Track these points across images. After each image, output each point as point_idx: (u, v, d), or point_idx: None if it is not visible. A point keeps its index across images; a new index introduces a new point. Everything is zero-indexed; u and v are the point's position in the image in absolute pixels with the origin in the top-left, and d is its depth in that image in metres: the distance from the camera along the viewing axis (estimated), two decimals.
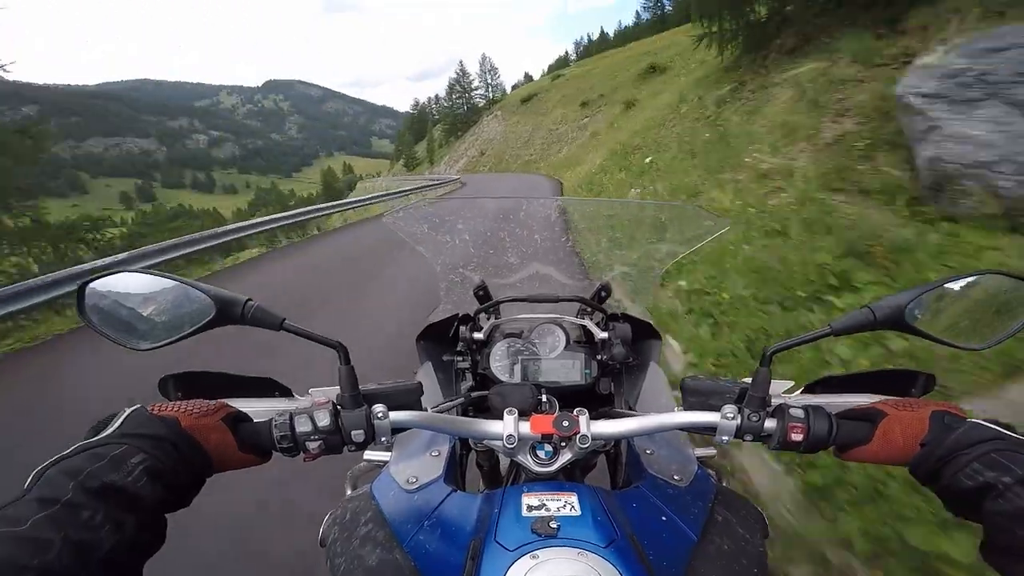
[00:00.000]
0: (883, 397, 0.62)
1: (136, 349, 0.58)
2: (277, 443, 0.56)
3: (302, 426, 0.57)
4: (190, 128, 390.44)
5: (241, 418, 0.58)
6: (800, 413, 0.59)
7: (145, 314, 0.58)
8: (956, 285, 0.60)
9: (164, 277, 0.58)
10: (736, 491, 0.68)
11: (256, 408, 0.61)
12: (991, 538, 0.46)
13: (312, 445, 0.57)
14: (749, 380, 0.61)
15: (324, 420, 0.57)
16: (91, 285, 0.57)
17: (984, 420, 0.51)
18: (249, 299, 0.56)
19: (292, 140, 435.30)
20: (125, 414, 0.49)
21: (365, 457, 0.86)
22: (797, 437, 0.59)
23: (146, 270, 0.58)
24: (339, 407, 0.59)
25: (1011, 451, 0.46)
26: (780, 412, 0.60)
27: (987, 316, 0.61)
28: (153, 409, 0.51)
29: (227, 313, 0.56)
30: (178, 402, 0.54)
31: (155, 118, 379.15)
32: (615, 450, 0.94)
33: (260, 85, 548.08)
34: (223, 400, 0.57)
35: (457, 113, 73.22)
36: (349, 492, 0.81)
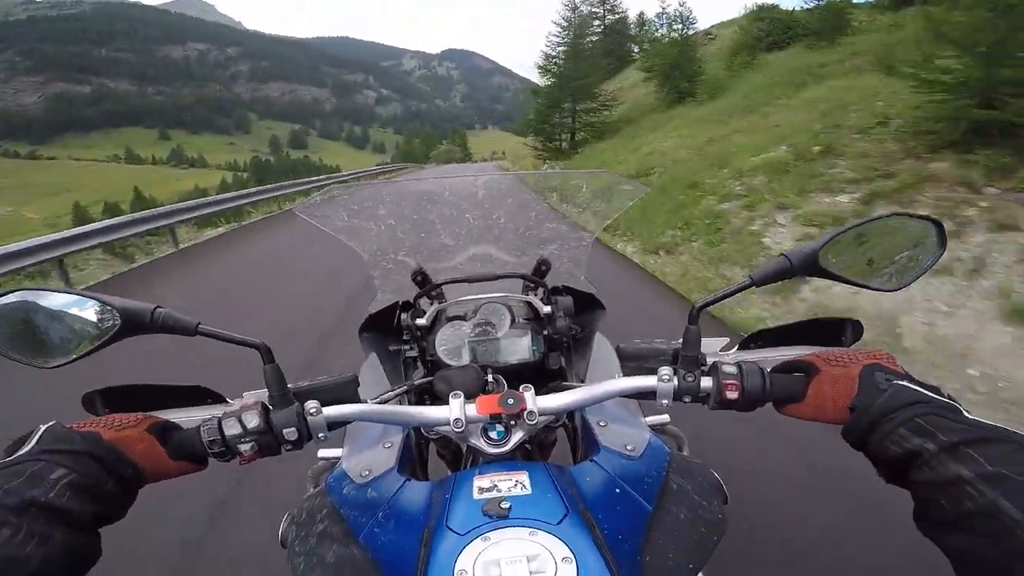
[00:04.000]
0: (816, 348, 0.64)
1: (45, 367, 0.57)
2: (208, 448, 0.56)
3: (231, 429, 0.55)
4: (364, 83, 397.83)
5: (169, 427, 0.57)
6: (733, 370, 0.58)
7: (51, 331, 0.57)
8: (866, 228, 0.62)
9: (66, 293, 0.57)
10: (692, 458, 0.67)
11: (187, 416, 0.61)
12: (921, 509, 0.45)
13: (244, 448, 0.56)
14: (681, 340, 0.61)
15: (253, 421, 0.56)
16: None
17: (910, 382, 0.50)
18: (158, 306, 0.55)
19: (454, 108, 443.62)
20: (41, 431, 0.48)
21: (320, 455, 0.84)
22: (732, 395, 0.58)
23: (47, 287, 0.59)
24: (269, 407, 0.58)
25: (936, 415, 0.45)
26: (714, 370, 0.60)
27: (895, 256, 0.63)
28: (72, 426, 0.51)
29: (135, 322, 0.55)
30: (101, 417, 0.54)
31: (335, 70, 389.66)
32: (572, 425, 0.93)
33: (439, 52, 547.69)
34: (149, 412, 0.57)
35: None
36: (311, 491, 0.78)
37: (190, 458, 0.56)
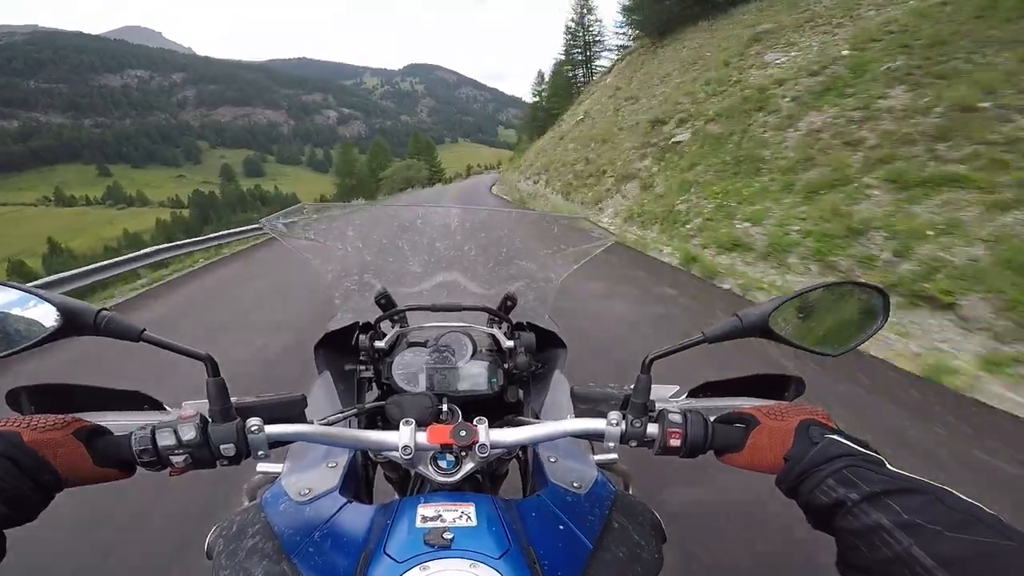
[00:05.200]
0: (760, 402, 0.68)
1: None
2: (137, 457, 0.54)
3: (164, 440, 0.54)
4: (323, 103, 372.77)
5: (98, 432, 0.55)
6: (679, 419, 0.61)
7: None
8: (815, 294, 0.65)
9: (5, 286, 0.55)
10: (635, 497, 0.71)
11: (119, 422, 0.59)
12: (841, 553, 0.49)
13: (177, 459, 0.54)
14: (633, 387, 0.64)
15: (189, 434, 0.54)
16: None
17: (841, 436, 0.54)
18: (103, 308, 0.54)
19: (421, 123, 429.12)
20: None
21: (259, 469, 0.81)
22: (676, 442, 0.60)
23: None
24: (208, 420, 0.57)
25: (861, 467, 0.49)
26: (661, 417, 0.62)
27: (841, 322, 0.66)
28: None
29: (76, 323, 0.53)
30: (26, 416, 0.52)
31: (291, 91, 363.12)
32: (524, 458, 0.97)
33: (401, 68, 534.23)
34: (78, 414, 0.55)
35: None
36: (246, 503, 0.77)
37: (117, 465, 0.55)
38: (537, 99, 49.30)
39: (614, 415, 0.62)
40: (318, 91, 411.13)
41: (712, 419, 0.62)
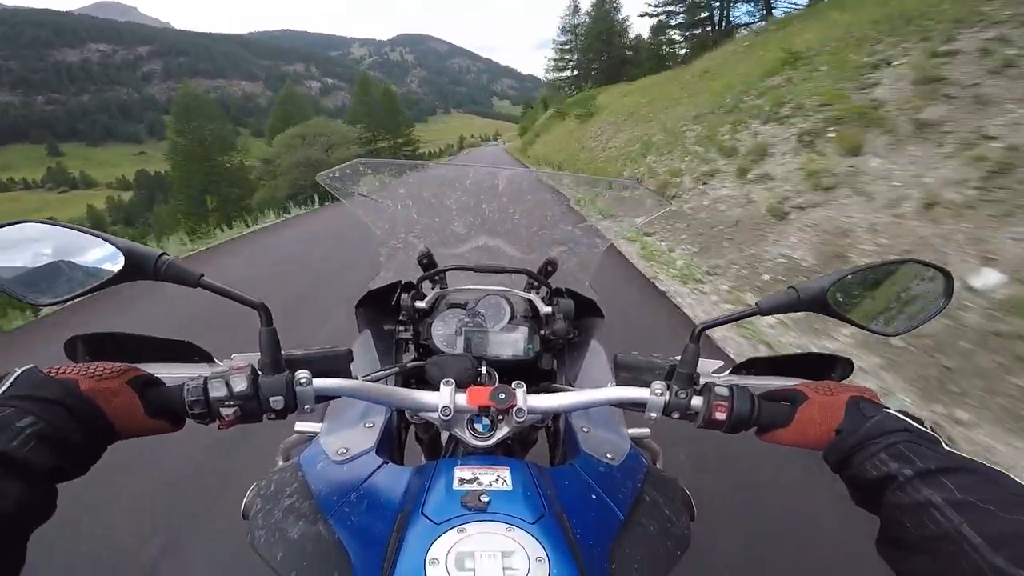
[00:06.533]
0: (806, 381, 0.65)
1: (36, 304, 0.56)
2: (189, 409, 0.54)
3: (216, 391, 0.54)
4: (305, 74, 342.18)
5: (151, 382, 0.55)
6: (725, 392, 0.60)
7: (48, 267, 0.55)
8: (877, 271, 0.63)
9: (70, 228, 0.55)
10: (666, 473, 0.70)
11: (171, 373, 0.58)
12: (884, 530, 0.48)
13: (227, 412, 0.54)
14: (679, 358, 0.63)
15: (240, 385, 0.54)
16: None
17: (897, 411, 0.53)
18: (164, 253, 0.54)
19: (411, 93, 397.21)
20: (16, 374, 0.46)
21: (296, 428, 0.84)
22: (721, 416, 0.59)
23: (50, 220, 0.55)
24: (259, 372, 0.56)
25: (916, 444, 0.48)
26: (706, 390, 0.61)
27: (902, 302, 0.64)
28: (51, 371, 0.48)
29: (138, 267, 0.53)
30: (81, 364, 0.51)
31: (270, 62, 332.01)
32: (555, 426, 0.98)
33: (390, 38, 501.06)
34: (133, 364, 0.55)
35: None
36: (280, 463, 0.78)
37: (166, 416, 0.54)
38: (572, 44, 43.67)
39: (658, 385, 0.61)
40: (300, 61, 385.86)
41: (758, 395, 0.61)
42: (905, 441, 0.48)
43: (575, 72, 46.09)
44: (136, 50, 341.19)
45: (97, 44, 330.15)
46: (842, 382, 0.67)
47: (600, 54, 43.33)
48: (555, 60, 47.10)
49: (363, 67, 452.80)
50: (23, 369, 0.47)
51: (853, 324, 0.62)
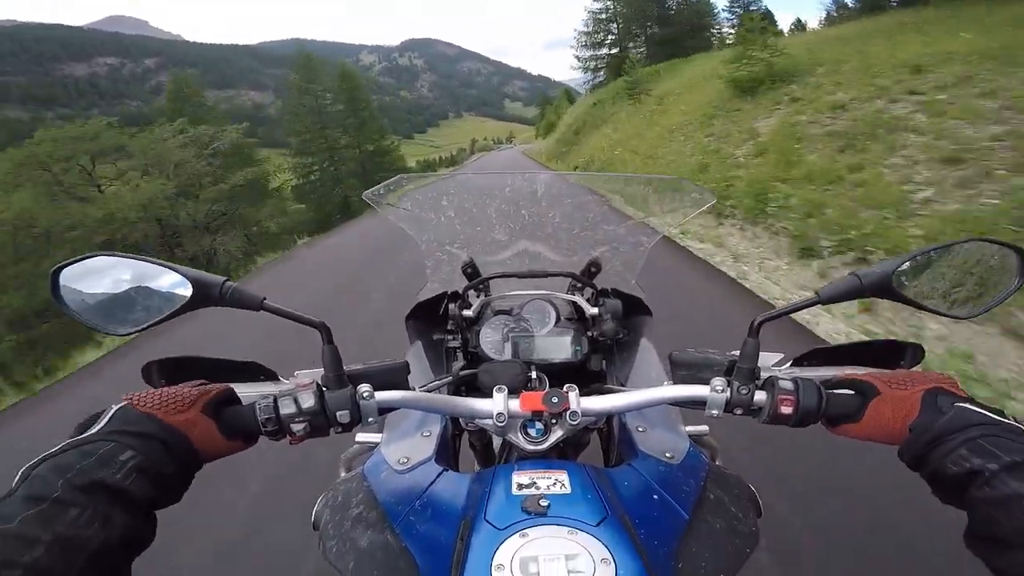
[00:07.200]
0: (872, 370, 0.63)
1: (114, 334, 0.59)
2: (262, 426, 0.56)
3: (286, 408, 0.56)
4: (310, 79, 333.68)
5: (224, 401, 0.57)
6: (790, 385, 0.58)
7: (122, 297, 0.58)
8: (942, 252, 0.61)
9: (140, 260, 0.57)
10: (728, 470, 0.68)
11: (241, 392, 0.60)
12: (974, 526, 0.46)
13: (297, 427, 0.56)
14: (737, 353, 0.61)
15: (308, 402, 0.56)
16: (65, 270, 0.56)
17: (973, 405, 0.51)
18: (227, 279, 0.56)
19: (422, 98, 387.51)
20: (112, 411, 0.49)
21: (357, 439, 0.86)
22: (787, 410, 0.57)
23: (122, 253, 0.58)
24: (324, 388, 0.58)
25: (998, 437, 0.46)
26: (769, 385, 0.59)
27: (973, 283, 0.62)
28: (136, 400, 0.51)
29: (205, 294, 0.55)
30: (161, 390, 0.54)
31: (281, 71, 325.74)
32: (607, 428, 0.97)
33: (398, 44, 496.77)
34: (205, 384, 0.57)
35: None
36: (343, 475, 0.80)
37: (242, 436, 0.57)
38: None
39: (718, 381, 0.59)
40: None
41: (824, 387, 0.59)
42: (986, 435, 0.46)
43: (616, 49, 34.52)
44: (144, 63, 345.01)
45: (105, 58, 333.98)
46: (915, 369, 0.64)
47: (653, 24, 33.70)
48: (587, 34, 35.34)
49: (372, 72, 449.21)
50: (119, 406, 0.50)
51: (921, 308, 0.60)
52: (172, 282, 0.56)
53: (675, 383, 0.65)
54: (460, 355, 1.06)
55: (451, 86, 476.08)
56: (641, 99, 19.01)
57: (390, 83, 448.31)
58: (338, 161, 30.69)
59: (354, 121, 31.77)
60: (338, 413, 0.56)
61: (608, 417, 0.89)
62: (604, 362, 1.04)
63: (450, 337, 1.06)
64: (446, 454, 0.80)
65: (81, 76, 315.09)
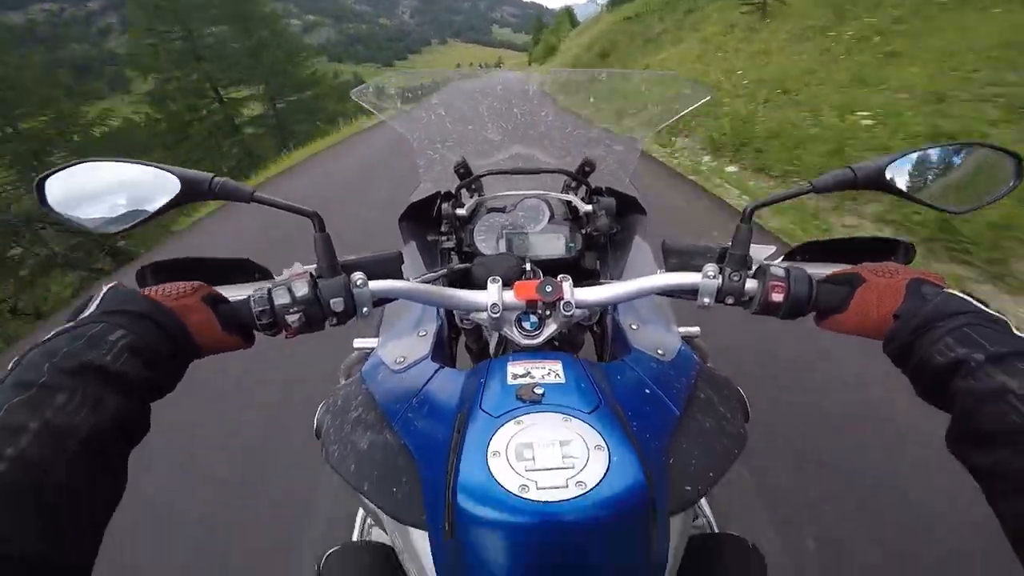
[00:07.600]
0: (865, 264, 0.62)
1: (106, 232, 0.59)
2: (257, 319, 0.56)
3: (280, 299, 0.56)
4: (282, 13, 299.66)
5: (221, 299, 0.57)
6: (781, 274, 0.58)
7: (111, 199, 0.58)
8: (938, 152, 0.62)
9: (126, 162, 0.57)
10: (719, 371, 0.68)
11: (236, 292, 0.60)
12: (956, 423, 0.44)
13: (292, 318, 0.56)
14: (730, 243, 0.61)
15: (302, 290, 0.56)
16: (50, 179, 0.56)
17: (960, 292, 0.49)
18: (216, 175, 0.56)
19: (404, 25, 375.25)
20: (103, 292, 0.48)
21: (355, 346, 0.89)
22: (778, 298, 0.58)
23: (106, 157, 0.57)
24: (317, 277, 0.59)
25: (983, 326, 0.44)
26: (761, 273, 0.60)
27: (965, 183, 0.62)
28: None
29: (194, 189, 0.55)
30: (157, 286, 0.54)
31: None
32: (600, 327, 0.97)
33: None
34: (201, 282, 0.57)
35: None
36: (343, 382, 0.81)
37: (237, 331, 0.57)
38: None
39: (710, 267, 0.59)
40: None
41: (815, 278, 0.59)
42: (972, 324, 0.44)
43: None
44: (86, 5, 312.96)
45: (43, 3, 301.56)
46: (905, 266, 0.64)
47: None
48: None
49: (349, 1, 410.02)
50: (109, 286, 0.48)
51: (914, 200, 0.60)
52: (161, 181, 0.56)
53: (667, 271, 0.65)
54: (454, 256, 1.06)
55: (435, 11, 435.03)
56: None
57: (367, 11, 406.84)
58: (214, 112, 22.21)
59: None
60: (332, 301, 0.56)
61: (601, 315, 0.91)
62: (598, 261, 1.05)
63: (444, 237, 1.06)
64: (442, 353, 0.79)
65: (18, 24, 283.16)
